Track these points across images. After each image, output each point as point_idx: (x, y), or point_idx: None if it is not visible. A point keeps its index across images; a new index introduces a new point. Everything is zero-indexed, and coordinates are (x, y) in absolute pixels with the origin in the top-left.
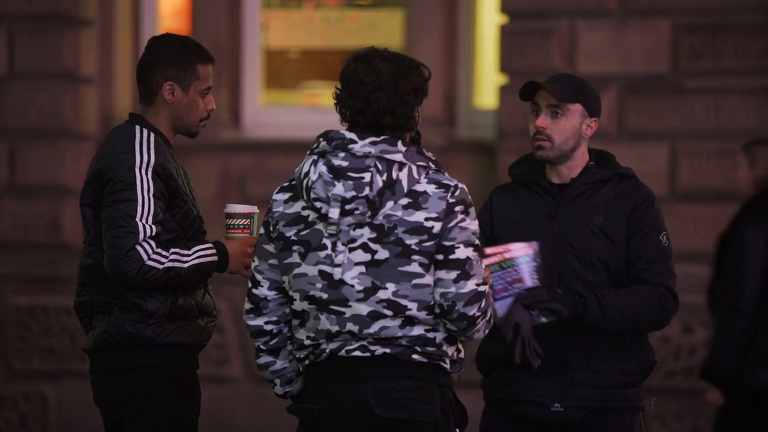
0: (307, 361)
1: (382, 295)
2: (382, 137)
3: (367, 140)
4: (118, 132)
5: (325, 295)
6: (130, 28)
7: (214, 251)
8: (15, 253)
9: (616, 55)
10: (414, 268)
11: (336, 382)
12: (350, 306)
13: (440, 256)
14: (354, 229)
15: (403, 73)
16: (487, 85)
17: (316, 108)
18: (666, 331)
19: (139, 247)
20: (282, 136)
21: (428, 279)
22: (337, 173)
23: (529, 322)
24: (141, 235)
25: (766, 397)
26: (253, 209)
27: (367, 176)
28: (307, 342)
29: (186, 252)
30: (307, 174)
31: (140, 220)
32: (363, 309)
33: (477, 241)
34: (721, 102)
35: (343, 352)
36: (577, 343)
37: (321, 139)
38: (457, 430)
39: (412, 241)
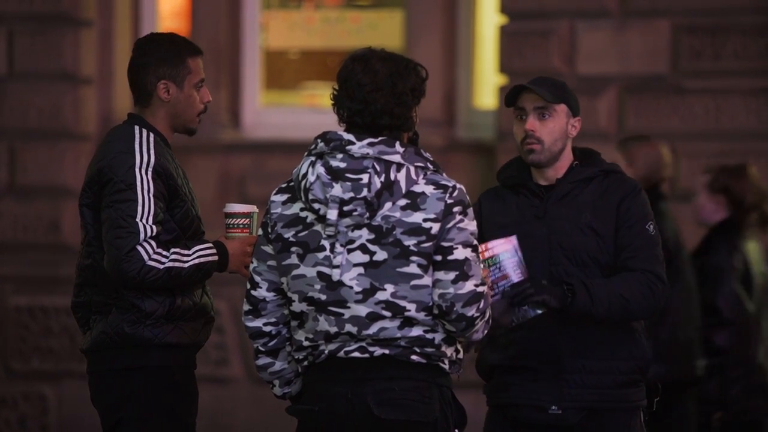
0: (305, 362)
1: (380, 296)
2: (379, 138)
3: (365, 141)
4: (117, 132)
5: (323, 297)
6: (130, 29)
7: (214, 251)
8: (15, 253)
9: (615, 55)
10: (412, 269)
11: (335, 383)
12: (349, 307)
13: (439, 257)
14: (352, 231)
15: (400, 73)
16: (486, 85)
17: (315, 108)
18: None
19: (139, 248)
20: (282, 137)
21: (427, 280)
22: (335, 174)
23: (507, 322)
24: (142, 236)
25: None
26: (252, 209)
27: (365, 177)
28: (305, 343)
29: (186, 252)
30: (305, 175)
31: (141, 220)
32: (362, 310)
33: (475, 242)
34: (720, 103)
35: (341, 353)
36: (571, 344)
37: (319, 140)
38: (456, 430)
39: (410, 242)
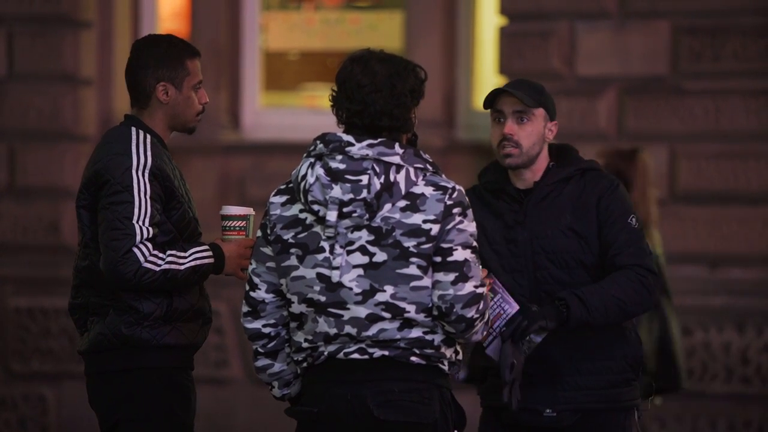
0: (305, 364)
1: (380, 297)
2: (379, 139)
3: (365, 143)
4: (114, 134)
5: (323, 298)
6: (130, 30)
7: (210, 253)
8: (14, 254)
9: (615, 56)
10: (412, 270)
11: (334, 385)
12: (348, 308)
13: (438, 258)
14: (352, 232)
15: (399, 74)
16: (486, 86)
17: (315, 110)
18: None
19: (136, 250)
20: (281, 138)
21: (426, 281)
22: (335, 176)
23: (521, 360)
24: (138, 237)
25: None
26: (249, 211)
27: (364, 179)
28: (305, 345)
29: (182, 254)
30: (304, 177)
31: (137, 222)
32: (361, 311)
33: (475, 243)
34: (720, 104)
35: (341, 355)
36: (564, 346)
37: (318, 142)
38: (456, 431)
39: (410, 243)
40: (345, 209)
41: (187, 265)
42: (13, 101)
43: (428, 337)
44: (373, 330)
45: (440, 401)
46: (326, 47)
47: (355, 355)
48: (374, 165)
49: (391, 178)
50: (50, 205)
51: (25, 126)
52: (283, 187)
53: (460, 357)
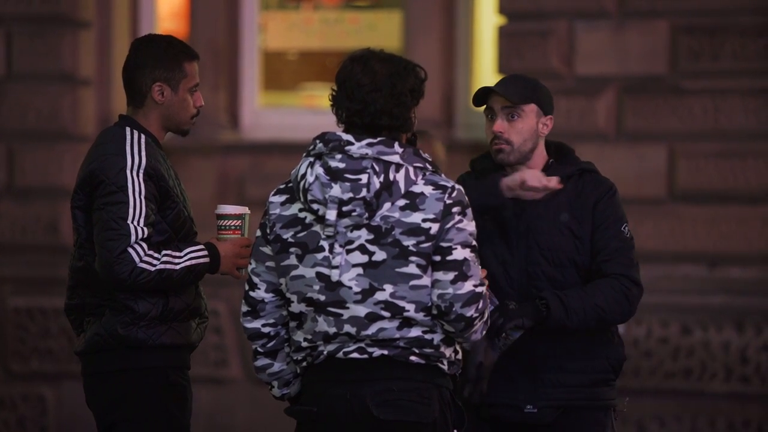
0: (304, 363)
1: (379, 296)
2: (378, 139)
3: (364, 142)
4: (109, 134)
5: (322, 297)
6: (129, 30)
7: (205, 253)
8: (13, 254)
9: (614, 56)
10: (411, 269)
11: (334, 384)
12: (348, 308)
13: (437, 257)
14: (351, 231)
15: (399, 74)
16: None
17: (314, 109)
18: (664, 332)
19: (131, 250)
20: (280, 138)
21: (426, 280)
22: (334, 175)
23: (493, 358)
24: (133, 238)
25: None
26: (244, 210)
27: (364, 178)
28: (304, 344)
29: (178, 254)
30: (303, 176)
31: (132, 222)
32: (360, 310)
33: (474, 242)
34: (719, 103)
35: (340, 354)
36: (547, 343)
37: (317, 141)
38: (455, 431)
39: (409, 242)
40: (344, 208)
41: (183, 265)
42: (12, 101)
43: (427, 336)
44: (372, 329)
45: (439, 401)
46: (325, 47)
47: (355, 355)
48: (374, 164)
49: (391, 177)
50: (49, 205)
51: (23, 126)
52: (282, 186)
53: (459, 356)
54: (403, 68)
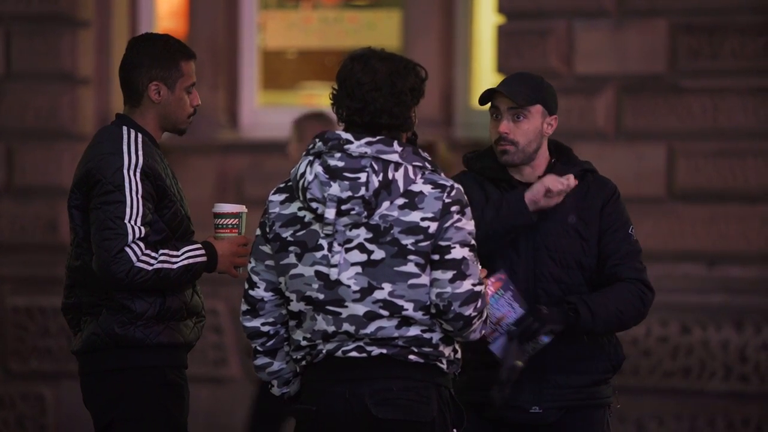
0: (303, 362)
1: (378, 295)
2: (378, 137)
3: (363, 140)
4: (105, 133)
5: (321, 296)
6: (128, 29)
7: (203, 251)
8: (12, 253)
9: (613, 55)
10: (410, 268)
11: (333, 383)
12: (347, 306)
13: (436, 256)
14: (350, 230)
15: (399, 73)
16: (484, 85)
17: (313, 108)
18: (664, 331)
19: (128, 249)
20: (279, 137)
21: (424, 279)
22: (333, 173)
23: (524, 362)
24: (130, 237)
25: None
26: (241, 208)
27: (363, 176)
28: (303, 343)
29: (175, 253)
30: (303, 174)
31: (129, 221)
32: (359, 309)
33: (473, 241)
34: (718, 102)
35: (339, 353)
36: (553, 345)
37: (317, 140)
38: (455, 430)
39: (408, 241)
40: (343, 207)
41: (180, 264)
42: (11, 100)
43: (426, 335)
44: (371, 328)
45: (438, 400)
46: (324, 46)
47: (354, 353)
48: (373, 163)
49: (390, 175)
50: (48, 204)
51: (23, 125)
52: (282, 185)
53: (458, 356)
54: (404, 67)
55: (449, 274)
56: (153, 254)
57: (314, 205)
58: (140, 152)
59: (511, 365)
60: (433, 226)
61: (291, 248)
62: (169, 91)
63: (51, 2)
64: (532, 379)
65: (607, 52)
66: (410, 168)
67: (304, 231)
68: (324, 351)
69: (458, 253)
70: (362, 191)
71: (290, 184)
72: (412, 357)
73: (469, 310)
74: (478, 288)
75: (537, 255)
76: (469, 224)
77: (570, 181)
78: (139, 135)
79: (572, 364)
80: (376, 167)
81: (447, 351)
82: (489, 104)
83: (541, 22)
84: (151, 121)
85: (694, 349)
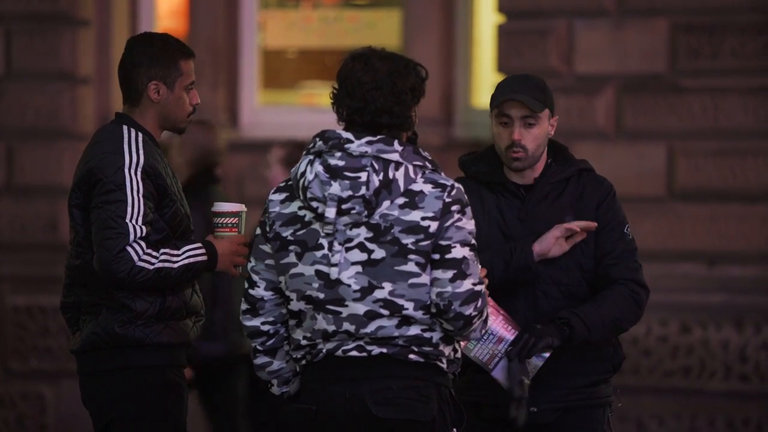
0: (303, 362)
1: (378, 294)
2: (378, 137)
3: (364, 140)
4: (106, 132)
5: (321, 295)
6: (128, 28)
7: (203, 251)
8: (13, 253)
9: (613, 54)
10: (410, 267)
11: (333, 382)
12: (347, 306)
13: (436, 256)
14: (350, 229)
15: (400, 72)
16: (484, 84)
17: (313, 108)
18: (664, 331)
19: (129, 248)
20: (280, 136)
21: (425, 278)
22: (334, 173)
23: (528, 381)
24: (131, 236)
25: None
26: (240, 207)
27: (363, 176)
28: (303, 342)
29: (176, 252)
30: (303, 174)
31: (130, 221)
32: (359, 308)
33: (473, 241)
34: (718, 101)
35: (339, 352)
36: (554, 351)
37: (317, 139)
38: (455, 429)
39: (408, 240)
40: (344, 206)
41: (181, 263)
42: (11, 100)
43: (426, 334)
44: (371, 327)
45: (438, 399)
46: (324, 45)
47: (354, 353)
48: (373, 162)
49: (390, 175)
50: (48, 204)
51: (23, 124)
52: (282, 184)
53: (458, 355)
54: (404, 67)
55: (449, 274)
56: (154, 253)
57: (315, 204)
58: (141, 151)
59: (519, 381)
60: (433, 226)
61: (291, 247)
62: (168, 90)
63: (51, 1)
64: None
65: (608, 52)
66: (411, 167)
67: (304, 230)
68: (324, 350)
69: (459, 252)
70: (363, 190)
71: (290, 183)
72: (412, 356)
73: (469, 310)
74: (478, 287)
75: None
76: (469, 223)
77: (572, 226)
78: (140, 134)
79: (570, 366)
80: (376, 166)
81: (447, 350)
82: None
83: (542, 21)
84: (151, 120)
85: (694, 348)
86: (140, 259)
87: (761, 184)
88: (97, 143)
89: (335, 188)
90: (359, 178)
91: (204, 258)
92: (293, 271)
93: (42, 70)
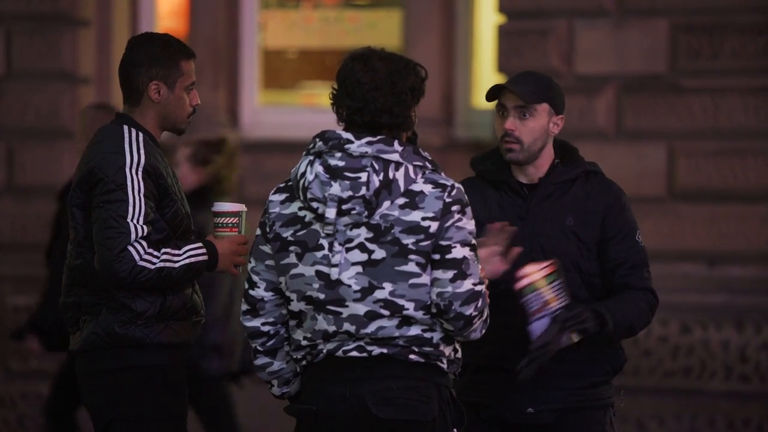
0: (304, 362)
1: (379, 294)
2: (378, 137)
3: (364, 140)
4: (107, 132)
5: (322, 296)
6: (128, 28)
7: (204, 250)
8: (13, 253)
9: (613, 54)
10: (411, 267)
11: (333, 383)
12: (347, 306)
13: (437, 256)
14: (351, 229)
15: (400, 72)
16: (485, 85)
17: (314, 108)
18: (664, 331)
19: (131, 248)
20: (280, 136)
21: (425, 279)
22: (334, 173)
23: (555, 348)
24: (133, 236)
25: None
26: (241, 207)
27: (363, 176)
28: (304, 342)
29: (177, 252)
30: (303, 174)
31: (131, 220)
32: (360, 309)
33: (474, 241)
34: (719, 102)
35: (340, 353)
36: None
37: (317, 140)
38: (455, 430)
39: (408, 240)
40: (344, 206)
41: (182, 263)
42: (12, 100)
43: (427, 334)
44: (371, 327)
45: (439, 399)
46: (325, 45)
47: (354, 353)
48: (373, 162)
49: (390, 175)
50: (49, 204)
51: (23, 124)
52: (282, 185)
53: (459, 355)
54: (404, 67)
55: (450, 274)
56: (155, 253)
57: (315, 204)
58: (142, 151)
59: (546, 341)
60: (433, 226)
61: (291, 248)
62: (168, 91)
63: (52, 1)
64: (526, 381)
65: (608, 52)
66: (411, 167)
67: (304, 231)
68: (324, 351)
69: (459, 252)
70: (363, 191)
71: (290, 183)
72: (412, 356)
73: (469, 310)
74: (478, 287)
75: (533, 256)
76: (469, 224)
77: (488, 243)
78: (140, 134)
79: (568, 366)
80: (376, 167)
81: (447, 350)
82: (492, 103)
83: (542, 21)
84: (151, 120)
85: (694, 348)
86: (141, 259)
87: (761, 184)
88: (98, 143)
89: (335, 189)
90: (359, 178)
91: (205, 258)
92: (293, 271)
93: (42, 70)
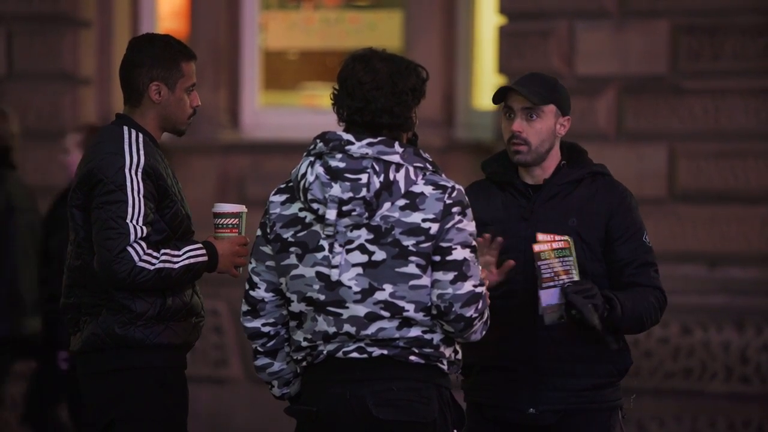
0: (304, 363)
1: (379, 296)
2: (379, 138)
3: (364, 141)
4: (106, 133)
5: (322, 297)
6: (129, 29)
7: (204, 251)
8: None
9: (614, 56)
10: (411, 269)
11: (333, 384)
12: (347, 307)
13: (437, 258)
14: (351, 231)
15: (401, 73)
16: (485, 86)
17: (314, 109)
18: (664, 332)
19: (130, 249)
20: (281, 137)
21: (425, 280)
22: (334, 174)
23: (559, 315)
24: (132, 237)
25: None
26: (241, 208)
27: (364, 177)
28: (304, 343)
29: (176, 253)
30: (304, 175)
31: (131, 221)
32: (360, 310)
33: (474, 243)
34: (719, 103)
35: (340, 354)
36: (551, 348)
37: (318, 141)
38: (455, 431)
39: (409, 242)
40: (344, 208)
41: (181, 264)
42: (13, 100)
43: (427, 336)
44: (372, 329)
45: (439, 401)
46: (325, 46)
47: (354, 354)
48: (374, 164)
49: (391, 176)
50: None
51: (24, 125)
52: (282, 186)
53: (459, 356)
54: (405, 67)
55: (450, 276)
56: (155, 254)
57: (315, 206)
58: (142, 152)
59: (555, 308)
60: (434, 227)
61: (292, 249)
62: (169, 92)
63: (52, 2)
64: (529, 381)
65: (609, 53)
66: (411, 169)
67: (305, 232)
68: (325, 352)
69: (459, 254)
70: (363, 192)
71: (291, 184)
72: (413, 358)
73: (470, 312)
74: (479, 289)
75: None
76: (470, 225)
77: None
78: (140, 135)
79: (571, 367)
80: (377, 168)
81: (448, 352)
82: (494, 104)
83: (543, 22)
84: (152, 121)
85: (695, 350)
86: (141, 260)
87: (762, 185)
88: (98, 144)
89: (336, 190)
90: (360, 179)
91: (204, 258)
92: (294, 272)
93: (43, 71)
